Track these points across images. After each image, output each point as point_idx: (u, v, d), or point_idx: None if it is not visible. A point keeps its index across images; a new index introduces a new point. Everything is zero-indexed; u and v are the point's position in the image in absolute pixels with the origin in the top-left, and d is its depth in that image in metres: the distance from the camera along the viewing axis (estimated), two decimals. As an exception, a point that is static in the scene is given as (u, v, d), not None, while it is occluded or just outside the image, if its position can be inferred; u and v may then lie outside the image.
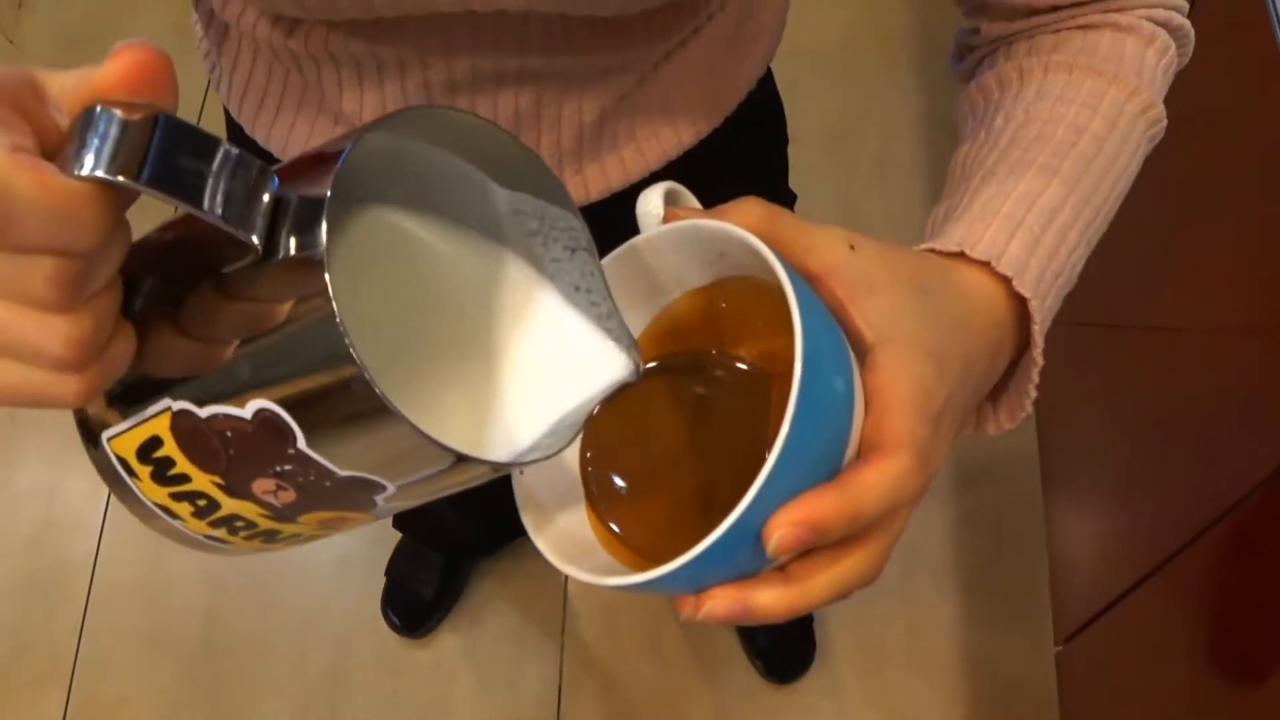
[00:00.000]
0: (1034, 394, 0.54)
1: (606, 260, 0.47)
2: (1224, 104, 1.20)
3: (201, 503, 0.41)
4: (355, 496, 0.39)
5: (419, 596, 1.81)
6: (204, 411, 0.37)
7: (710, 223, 0.44)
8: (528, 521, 0.46)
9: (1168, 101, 0.61)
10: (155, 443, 0.39)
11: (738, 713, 1.79)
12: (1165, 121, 0.61)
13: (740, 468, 0.45)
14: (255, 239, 0.34)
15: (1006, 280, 0.51)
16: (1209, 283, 1.30)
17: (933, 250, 0.52)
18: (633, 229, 0.48)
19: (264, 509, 0.40)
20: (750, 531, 0.39)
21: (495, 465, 0.38)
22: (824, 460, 0.41)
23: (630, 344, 0.44)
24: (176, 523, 0.43)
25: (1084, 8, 0.61)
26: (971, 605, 1.84)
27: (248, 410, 0.36)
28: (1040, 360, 0.52)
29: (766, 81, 0.86)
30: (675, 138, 0.76)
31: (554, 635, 1.83)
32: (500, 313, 0.45)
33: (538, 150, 0.71)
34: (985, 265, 0.51)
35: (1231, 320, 1.25)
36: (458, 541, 1.79)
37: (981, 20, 0.64)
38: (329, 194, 0.34)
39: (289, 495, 0.39)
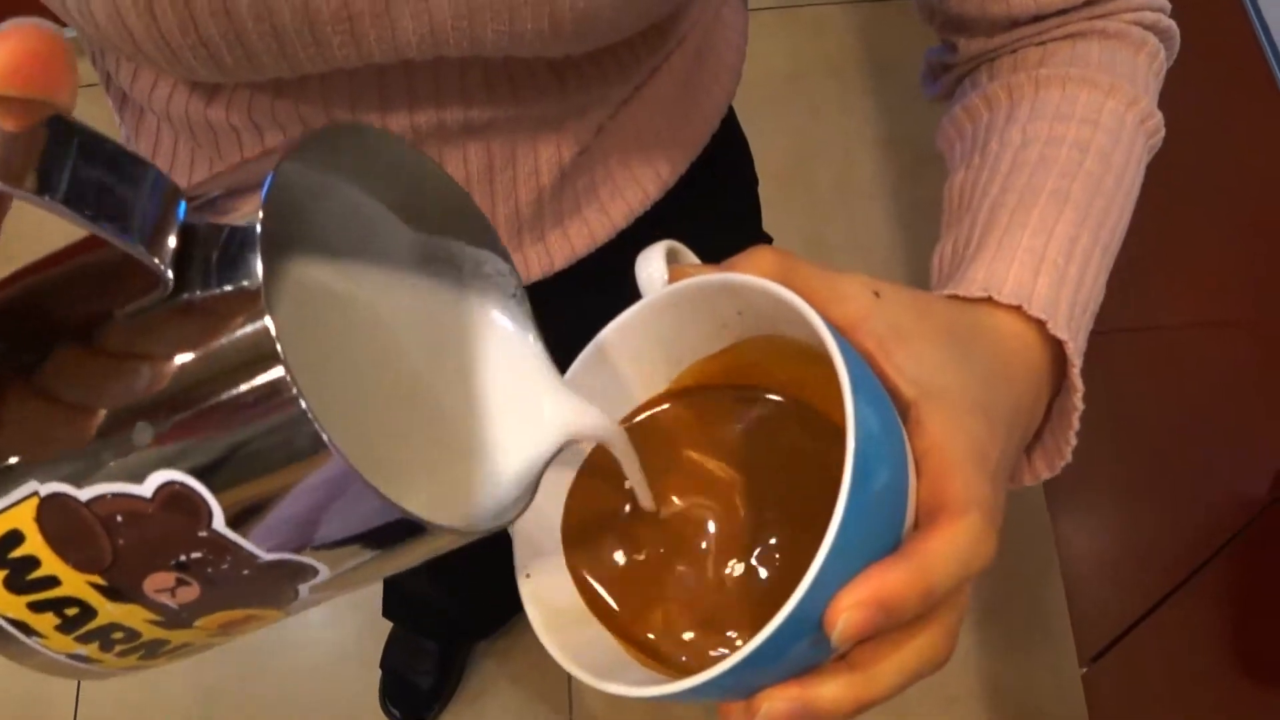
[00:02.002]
0: (1074, 441, 0.50)
1: (608, 331, 0.43)
2: (1208, 104, 1.21)
3: (72, 611, 0.33)
4: (275, 588, 0.33)
5: (417, 687, 1.76)
6: (85, 493, 0.30)
7: (735, 277, 0.40)
8: (542, 632, 0.40)
9: (1162, 105, 0.58)
10: (13, 539, 0.32)
11: (760, 771, 1.73)
12: (1164, 131, 0.58)
13: (787, 539, 0.41)
14: (167, 269, 0.29)
15: (1040, 323, 0.47)
16: (1200, 280, 1.29)
17: (955, 296, 0.48)
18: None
19: (154, 613, 0.33)
20: (809, 620, 0.34)
21: (457, 532, 0.33)
22: (884, 533, 0.37)
23: (573, 402, 0.40)
24: (32, 641, 0.34)
25: (1068, 15, 0.57)
26: (989, 635, 1.80)
27: (147, 486, 0.29)
28: (1081, 405, 0.49)
29: (729, 122, 0.82)
30: (640, 191, 0.71)
31: (561, 711, 1.78)
32: (441, 369, 0.40)
33: (494, 221, 0.66)
34: (1016, 309, 0.47)
35: (1225, 316, 1.24)
36: (452, 626, 1.75)
37: (958, 37, 0.61)
38: (261, 216, 0.29)
39: (191, 592, 0.32)
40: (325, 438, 0.28)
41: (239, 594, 0.33)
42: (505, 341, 0.41)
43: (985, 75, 0.60)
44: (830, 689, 0.37)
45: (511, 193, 0.67)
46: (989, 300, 0.47)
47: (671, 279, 0.42)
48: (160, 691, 1.82)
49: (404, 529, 0.31)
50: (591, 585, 0.43)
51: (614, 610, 0.42)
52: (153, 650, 0.36)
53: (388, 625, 1.78)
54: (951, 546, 0.36)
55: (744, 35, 0.78)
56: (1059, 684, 1.73)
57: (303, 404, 0.28)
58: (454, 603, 1.62)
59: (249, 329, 0.28)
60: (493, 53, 0.55)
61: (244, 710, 1.81)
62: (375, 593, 1.69)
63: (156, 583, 0.32)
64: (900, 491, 0.38)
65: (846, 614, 0.34)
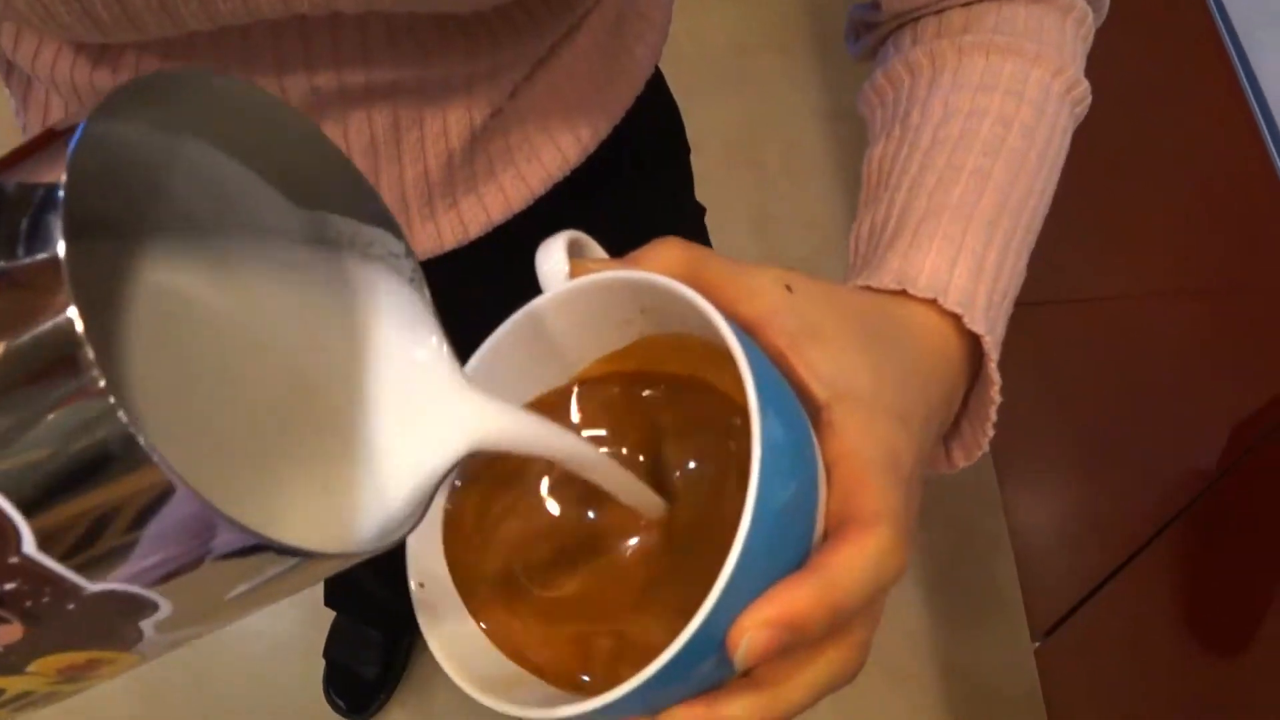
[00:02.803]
0: (992, 432, 0.49)
1: (502, 331, 0.41)
2: (1147, 72, 1.21)
3: None
4: (112, 625, 0.29)
5: (361, 676, 1.74)
6: None
7: (638, 274, 0.38)
8: (436, 648, 0.38)
9: (1097, 71, 0.57)
10: None
11: (711, 754, 1.72)
12: (1090, 99, 0.56)
13: (688, 552, 0.39)
14: None
15: (956, 316, 0.45)
16: (1140, 250, 1.29)
17: (869, 288, 0.46)
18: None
19: None
20: (713, 640, 0.33)
21: (312, 555, 0.29)
22: (792, 546, 0.35)
23: (477, 399, 0.36)
24: None
25: None
26: (939, 610, 1.80)
27: None
28: (998, 399, 0.47)
29: (656, 84, 0.79)
30: (559, 156, 0.68)
31: (509, 698, 1.75)
32: (325, 369, 0.36)
33: (403, 188, 0.63)
34: (931, 302, 0.45)
35: (1171, 285, 1.24)
36: (395, 615, 1.73)
37: None
38: (64, 177, 0.25)
39: (12, 632, 0.28)
40: (142, 441, 0.24)
41: (71, 633, 0.29)
42: (400, 335, 0.37)
43: (909, 38, 0.58)
44: (735, 708, 0.35)
45: (419, 156, 0.63)
46: (904, 293, 0.46)
47: (573, 273, 0.40)
48: (100, 689, 1.77)
49: (253, 552, 0.27)
50: (483, 602, 0.40)
51: (511, 626, 0.40)
52: None
53: (330, 615, 1.76)
54: (861, 561, 0.35)
55: None
56: (1012, 660, 1.73)
57: (110, 399, 0.24)
58: (395, 593, 1.58)
59: (48, 309, 0.24)
60: (391, 7, 0.51)
61: (187, 703, 1.78)
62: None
63: None
64: (809, 502, 0.36)
65: (750, 635, 0.33)
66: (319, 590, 1.67)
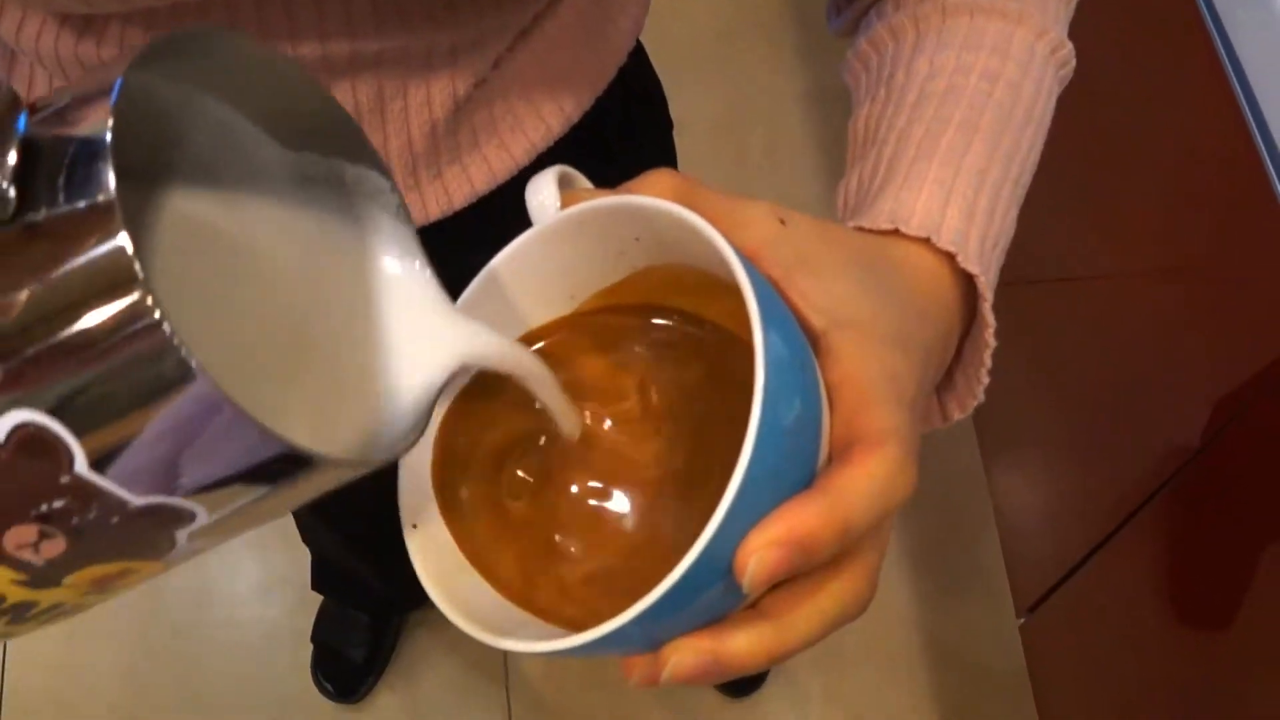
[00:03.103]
0: (987, 380, 0.48)
1: (498, 261, 0.41)
2: (1132, 54, 1.21)
3: None
4: (150, 536, 0.31)
5: (349, 660, 1.74)
6: None
7: (633, 199, 0.37)
8: (430, 587, 0.38)
9: (1081, 54, 0.56)
10: None
11: (700, 735, 1.74)
12: (1074, 61, 0.56)
13: (694, 475, 0.38)
14: (9, 188, 0.27)
15: (949, 256, 0.45)
16: (1124, 230, 1.30)
17: (862, 228, 0.46)
18: (504, 236, 0.40)
19: (18, 571, 0.31)
20: (718, 563, 0.32)
21: (343, 463, 0.31)
22: (797, 468, 0.34)
23: (464, 326, 0.38)
24: None
25: None
26: (925, 589, 1.81)
27: None
28: (993, 342, 0.47)
29: (639, 57, 0.79)
30: (543, 126, 0.68)
31: (497, 678, 1.76)
32: (325, 296, 0.38)
33: (386, 157, 0.63)
34: (924, 241, 0.45)
35: (1150, 264, 1.24)
36: (382, 597, 1.73)
37: None
38: (110, 123, 0.27)
39: (56, 546, 0.30)
40: (194, 363, 0.26)
41: (110, 545, 0.31)
42: (391, 264, 0.39)
43: (890, 5, 0.58)
44: (742, 640, 0.34)
45: (403, 125, 0.63)
46: (896, 233, 0.45)
47: (565, 205, 0.39)
48: (86, 675, 1.78)
49: (287, 462, 0.29)
50: (474, 536, 0.40)
51: (503, 561, 0.40)
52: (19, 615, 0.33)
53: (318, 599, 1.76)
54: (869, 480, 0.34)
55: None
56: (997, 636, 1.74)
57: (166, 327, 0.26)
58: (381, 575, 1.59)
59: (103, 248, 0.26)
60: None
61: (174, 691, 1.78)
62: (304, 566, 1.67)
63: (17, 538, 0.30)
64: (813, 424, 0.35)
65: (759, 555, 0.32)
66: (306, 575, 1.67)
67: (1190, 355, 1.14)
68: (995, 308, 0.47)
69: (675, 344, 0.41)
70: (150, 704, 1.77)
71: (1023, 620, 1.61)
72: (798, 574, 0.34)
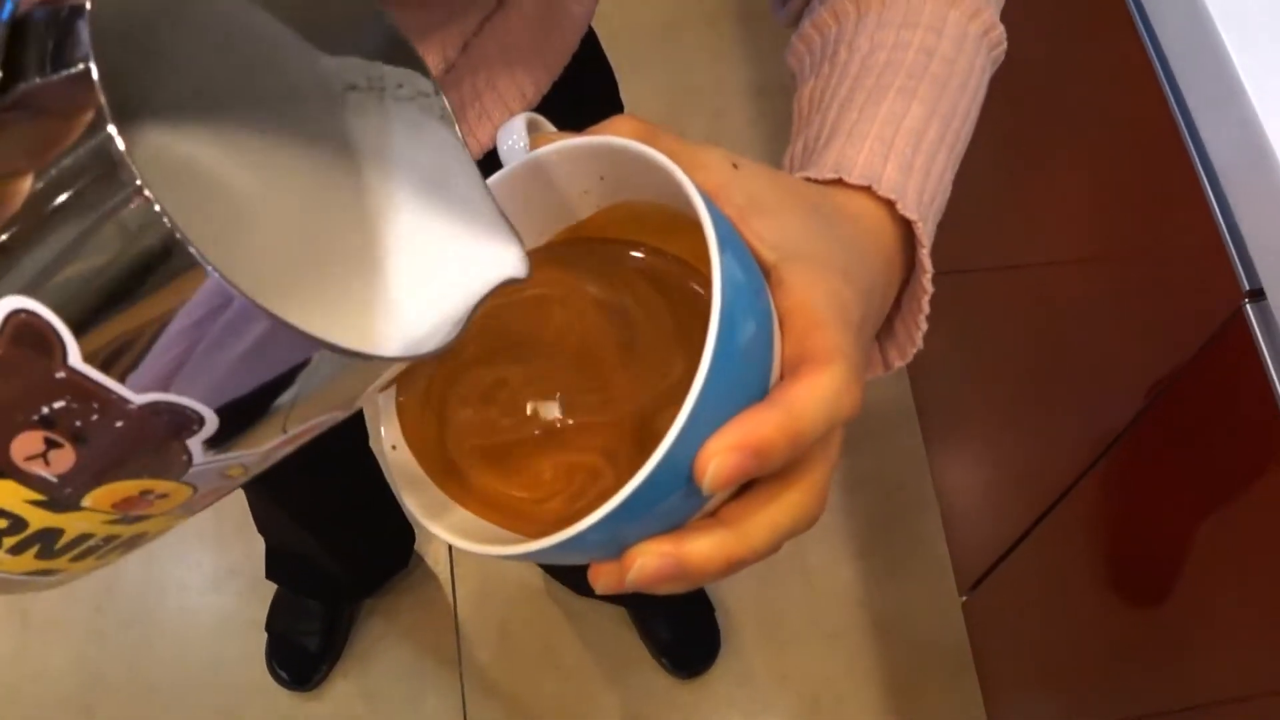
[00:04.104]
0: (925, 326, 0.51)
1: None
2: (1063, 46, 1.22)
3: None
4: (160, 447, 0.29)
5: (304, 648, 1.74)
6: None
7: (600, 139, 0.39)
8: (416, 506, 0.39)
9: (1011, 46, 0.59)
10: None
11: (650, 714, 1.76)
12: (1006, 44, 0.59)
13: (654, 392, 0.40)
14: None
15: (889, 204, 0.48)
16: (1056, 218, 1.32)
17: (808, 178, 0.48)
18: None
19: (33, 490, 0.29)
20: (679, 469, 0.34)
21: (355, 356, 0.29)
22: (750, 386, 0.37)
23: (512, 233, 0.38)
24: None
25: None
26: (869, 567, 1.83)
27: None
28: (930, 288, 0.49)
29: (592, 44, 0.82)
30: (506, 110, 0.71)
31: (450, 663, 1.77)
32: (343, 207, 0.37)
33: None
34: (865, 190, 0.48)
35: (1080, 253, 1.27)
36: (335, 585, 1.73)
37: None
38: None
39: (65, 456, 0.29)
40: (179, 235, 0.25)
41: (120, 455, 0.29)
42: (437, 170, 0.38)
43: None
44: (703, 544, 0.36)
45: None
46: (840, 182, 0.48)
47: (534, 146, 0.41)
48: (39, 665, 1.78)
49: (296, 355, 0.28)
50: (443, 452, 0.42)
51: (469, 473, 0.42)
52: (48, 546, 0.32)
53: (271, 588, 1.76)
54: (819, 392, 0.36)
55: None
56: (941, 613, 1.77)
57: (147, 194, 0.25)
58: (335, 561, 1.60)
59: (85, 116, 0.25)
60: None
61: (128, 681, 1.77)
62: (257, 556, 1.67)
63: (24, 447, 0.28)
64: (766, 345, 0.37)
65: (717, 459, 0.34)
66: (259, 564, 1.67)
67: (1117, 339, 1.16)
68: (934, 298, 0.49)
69: (638, 271, 0.43)
70: (104, 693, 1.77)
71: (965, 598, 1.63)
72: (753, 481, 0.37)
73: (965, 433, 1.71)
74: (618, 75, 0.90)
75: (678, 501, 0.35)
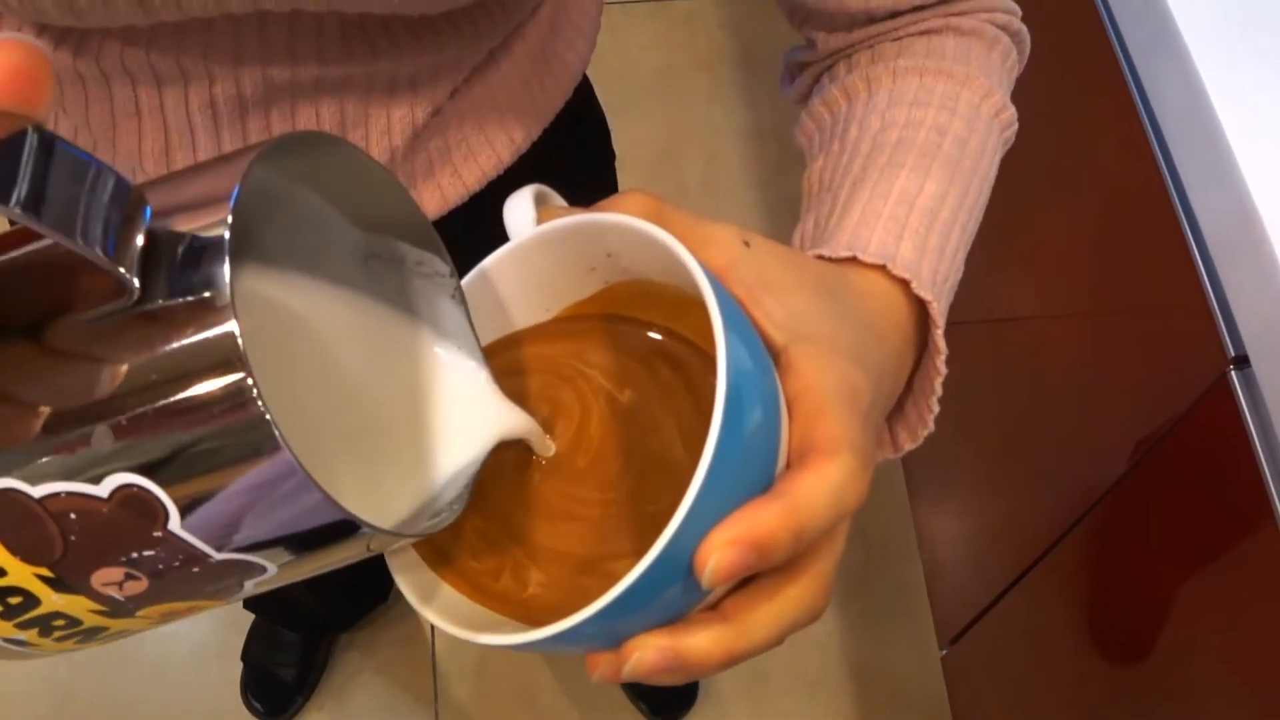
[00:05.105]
0: (937, 408, 0.50)
1: (474, 275, 0.43)
2: (1058, 111, 1.23)
3: (15, 600, 0.33)
4: (223, 583, 0.33)
5: (279, 679, 1.73)
6: (38, 490, 0.30)
7: (607, 216, 0.39)
8: (401, 579, 0.40)
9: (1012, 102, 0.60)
10: None
11: (626, 759, 1.74)
12: (1017, 125, 0.59)
13: (652, 484, 0.39)
14: (134, 279, 0.29)
15: (904, 283, 0.47)
16: (1047, 273, 1.32)
17: (821, 256, 0.48)
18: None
19: (99, 604, 0.33)
20: (680, 561, 0.33)
21: (402, 535, 0.35)
22: (756, 474, 0.36)
23: (511, 406, 0.41)
24: None
25: (924, 13, 0.58)
26: (850, 618, 1.83)
27: (104, 487, 0.30)
28: (944, 369, 0.48)
29: (585, 93, 0.82)
30: (493, 155, 0.71)
31: (426, 700, 1.76)
32: (382, 374, 0.40)
33: None
34: (879, 268, 0.47)
35: (1070, 308, 1.27)
36: (313, 618, 1.72)
37: (816, 32, 0.61)
38: (229, 225, 0.29)
39: (139, 586, 0.32)
40: (285, 446, 0.29)
41: (187, 589, 0.33)
42: (443, 345, 0.41)
43: (843, 69, 0.61)
44: (702, 639, 0.35)
45: (364, 149, 0.66)
46: (854, 260, 0.47)
47: (541, 220, 0.41)
48: (11, 687, 1.76)
49: (347, 532, 0.32)
50: (446, 558, 0.42)
51: (467, 558, 0.41)
52: (89, 636, 0.36)
53: (249, 617, 1.75)
54: (824, 485, 0.35)
55: (598, 3, 0.78)
56: (921, 666, 1.76)
57: (260, 405, 0.28)
58: (313, 595, 1.59)
59: (214, 335, 0.28)
60: (351, 8, 0.54)
61: (102, 707, 1.76)
62: (236, 585, 1.65)
63: (105, 577, 0.32)
64: (773, 431, 0.36)
65: (718, 553, 0.33)
66: (238, 593, 1.66)
67: (1104, 398, 1.16)
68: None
69: (644, 352, 0.42)
70: (76, 716, 1.75)
71: (945, 651, 1.63)
72: (755, 576, 0.36)
73: (949, 486, 1.71)
74: (614, 116, 0.90)
75: (677, 594, 0.35)
